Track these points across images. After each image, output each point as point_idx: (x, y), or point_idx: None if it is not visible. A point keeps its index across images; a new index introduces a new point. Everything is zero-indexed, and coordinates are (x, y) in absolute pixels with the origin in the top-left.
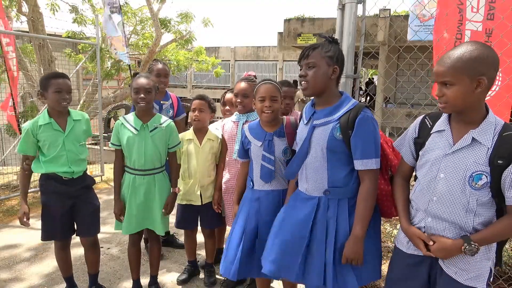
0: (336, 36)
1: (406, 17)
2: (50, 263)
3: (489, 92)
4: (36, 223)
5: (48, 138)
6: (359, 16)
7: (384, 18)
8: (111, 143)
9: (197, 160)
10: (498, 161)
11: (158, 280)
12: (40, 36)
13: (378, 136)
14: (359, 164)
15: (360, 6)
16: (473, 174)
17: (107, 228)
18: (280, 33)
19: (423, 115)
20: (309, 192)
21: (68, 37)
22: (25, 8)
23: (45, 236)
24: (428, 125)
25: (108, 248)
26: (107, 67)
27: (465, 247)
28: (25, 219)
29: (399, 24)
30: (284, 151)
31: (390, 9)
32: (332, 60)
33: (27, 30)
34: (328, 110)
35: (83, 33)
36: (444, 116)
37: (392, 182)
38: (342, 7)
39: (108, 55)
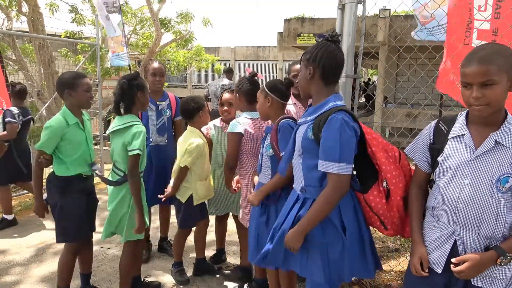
0: None
1: (406, 17)
2: (50, 264)
3: None
4: (36, 222)
5: (75, 137)
6: (359, 16)
7: (384, 18)
8: (140, 149)
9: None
10: None
11: (158, 280)
12: (40, 36)
13: (345, 140)
14: (320, 165)
15: (360, 6)
16: (500, 177)
17: None
18: (280, 33)
19: (436, 120)
20: (296, 189)
21: (67, 37)
22: (25, 8)
23: (75, 235)
24: (444, 130)
25: (108, 248)
26: (107, 67)
27: (502, 260)
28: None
29: (399, 24)
30: (267, 147)
31: (390, 9)
32: (308, 61)
33: (27, 30)
34: (311, 110)
35: (82, 32)
36: (461, 120)
37: (388, 195)
38: (342, 7)
39: (107, 55)
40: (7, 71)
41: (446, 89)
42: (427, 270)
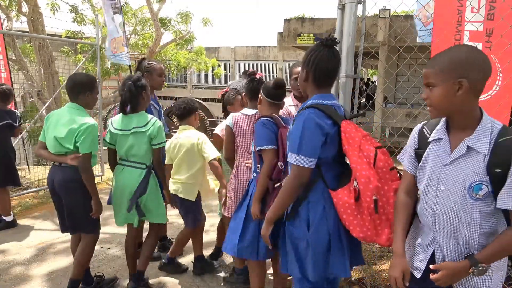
0: (336, 36)
1: (406, 17)
2: (50, 264)
3: (490, 92)
4: (36, 222)
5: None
6: (359, 16)
7: (384, 18)
8: (166, 141)
9: None
10: (496, 170)
11: (159, 279)
12: (40, 36)
13: (306, 134)
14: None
15: (360, 6)
16: (472, 185)
17: (107, 229)
18: (280, 33)
19: (421, 124)
20: None
21: (68, 37)
22: (25, 8)
23: (99, 225)
24: (427, 134)
25: (108, 248)
26: (107, 67)
27: (473, 270)
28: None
29: (399, 24)
30: (252, 144)
31: (390, 9)
32: (303, 64)
33: (27, 30)
34: (300, 108)
35: (83, 32)
36: (441, 124)
37: (359, 196)
38: (342, 7)
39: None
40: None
41: None
42: (407, 284)
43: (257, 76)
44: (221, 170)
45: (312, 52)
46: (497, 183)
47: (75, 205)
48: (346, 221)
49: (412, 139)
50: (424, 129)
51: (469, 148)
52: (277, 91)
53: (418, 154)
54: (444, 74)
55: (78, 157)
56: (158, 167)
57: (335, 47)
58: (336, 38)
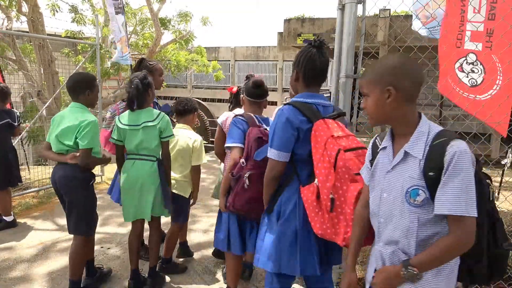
0: (336, 36)
1: (406, 17)
2: (50, 264)
3: (490, 92)
4: (36, 222)
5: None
6: (359, 16)
7: (384, 18)
8: (172, 135)
9: None
10: (429, 173)
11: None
12: (40, 36)
13: (277, 129)
14: None
15: (360, 6)
16: (409, 190)
17: (107, 228)
18: (280, 33)
19: (376, 135)
20: None
21: (68, 37)
22: (25, 8)
23: (95, 226)
24: (378, 144)
25: (108, 248)
26: (107, 67)
27: (404, 272)
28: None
29: (399, 24)
30: None
31: (390, 9)
32: (294, 65)
33: (27, 30)
34: None
35: (82, 32)
36: (388, 133)
37: (319, 193)
38: (342, 7)
39: (108, 55)
40: (4, 71)
41: (445, 91)
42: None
43: None
44: (199, 179)
45: (301, 53)
46: (432, 187)
47: (75, 204)
48: (309, 217)
49: (368, 151)
50: (376, 140)
51: (406, 153)
52: (256, 90)
53: (372, 165)
54: (374, 84)
55: (76, 156)
56: (167, 160)
57: (324, 48)
58: (324, 40)
